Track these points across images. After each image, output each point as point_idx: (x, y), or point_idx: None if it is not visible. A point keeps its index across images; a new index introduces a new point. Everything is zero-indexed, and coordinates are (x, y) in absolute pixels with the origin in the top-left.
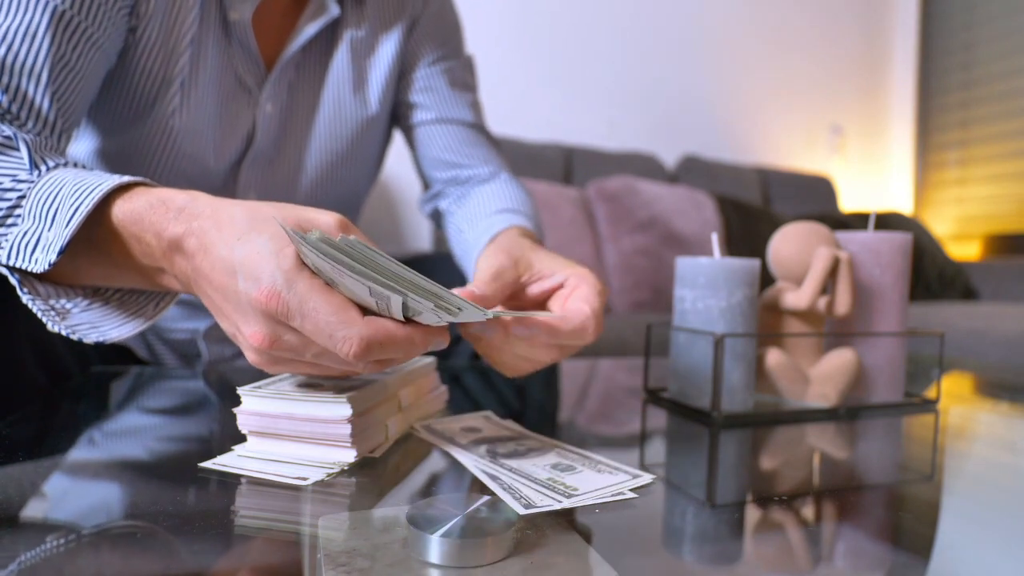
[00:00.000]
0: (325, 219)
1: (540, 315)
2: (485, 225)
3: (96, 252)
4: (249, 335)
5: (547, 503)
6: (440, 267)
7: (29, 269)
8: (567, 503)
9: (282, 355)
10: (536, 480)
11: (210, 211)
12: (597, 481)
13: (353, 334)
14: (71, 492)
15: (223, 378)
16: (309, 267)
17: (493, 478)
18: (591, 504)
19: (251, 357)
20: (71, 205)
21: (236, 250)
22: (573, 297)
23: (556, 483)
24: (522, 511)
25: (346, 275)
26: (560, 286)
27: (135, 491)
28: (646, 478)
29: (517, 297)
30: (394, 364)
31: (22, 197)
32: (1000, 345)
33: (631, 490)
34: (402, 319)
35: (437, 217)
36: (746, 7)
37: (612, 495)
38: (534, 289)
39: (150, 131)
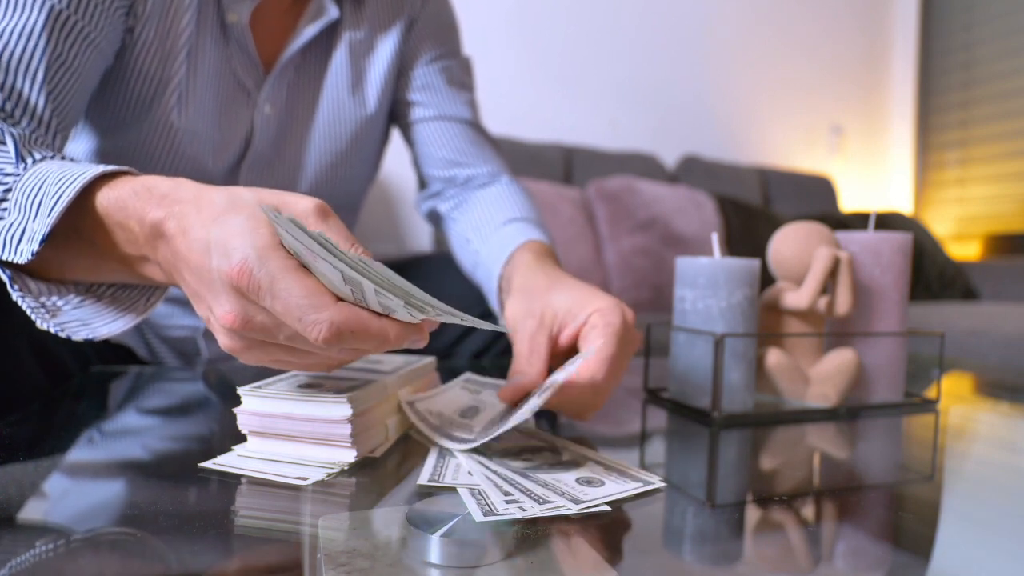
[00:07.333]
0: (303, 204)
1: (558, 376)
2: (497, 240)
3: (82, 242)
4: (220, 315)
5: (510, 512)
6: (440, 267)
7: (15, 261)
8: (531, 512)
9: (254, 336)
10: (529, 490)
11: (191, 196)
12: (604, 491)
13: (324, 318)
14: (71, 492)
15: (223, 378)
16: (285, 248)
17: (473, 479)
18: (563, 514)
19: (223, 341)
20: (54, 194)
21: (212, 230)
22: (586, 341)
23: (565, 491)
24: (480, 517)
25: (319, 258)
26: (584, 324)
27: (135, 491)
28: (648, 486)
29: (553, 348)
30: (365, 355)
31: (8, 190)
32: (1000, 345)
33: (606, 504)
34: (378, 311)
35: (435, 218)
36: (746, 7)
37: (590, 507)
38: (564, 338)
39: (148, 132)
